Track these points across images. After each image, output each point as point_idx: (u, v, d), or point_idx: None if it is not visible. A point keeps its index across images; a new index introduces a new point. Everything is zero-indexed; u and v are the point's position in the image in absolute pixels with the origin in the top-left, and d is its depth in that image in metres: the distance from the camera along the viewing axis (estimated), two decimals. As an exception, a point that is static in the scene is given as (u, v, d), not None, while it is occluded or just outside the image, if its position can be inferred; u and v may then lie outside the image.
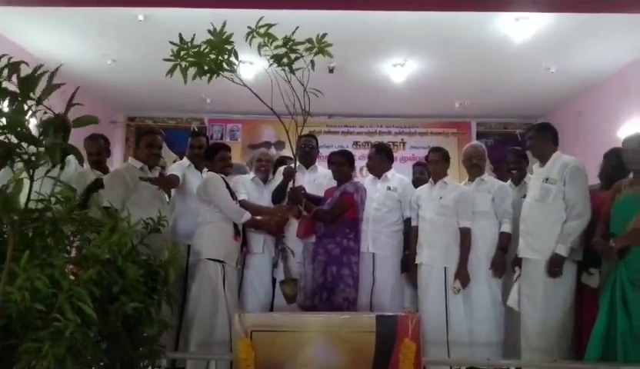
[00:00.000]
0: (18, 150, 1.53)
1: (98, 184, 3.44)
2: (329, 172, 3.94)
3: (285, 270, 3.50)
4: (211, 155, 3.65)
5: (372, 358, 2.11)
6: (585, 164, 3.33)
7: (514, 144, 6.94)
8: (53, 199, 2.01)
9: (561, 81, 6.32)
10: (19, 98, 1.52)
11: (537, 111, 7.61)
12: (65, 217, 2.06)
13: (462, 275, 3.56)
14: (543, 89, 6.67)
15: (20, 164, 1.55)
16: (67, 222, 2.08)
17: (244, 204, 3.66)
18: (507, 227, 3.65)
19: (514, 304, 3.43)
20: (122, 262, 2.06)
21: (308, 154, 4.04)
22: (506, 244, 3.64)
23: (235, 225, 3.49)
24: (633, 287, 2.74)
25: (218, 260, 3.36)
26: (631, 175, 3.02)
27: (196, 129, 7.75)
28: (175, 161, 4.90)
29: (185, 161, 4.00)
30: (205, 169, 3.87)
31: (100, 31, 5.16)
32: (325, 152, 5.59)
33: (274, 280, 3.82)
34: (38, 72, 1.54)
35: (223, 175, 3.58)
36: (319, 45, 2.48)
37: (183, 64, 2.40)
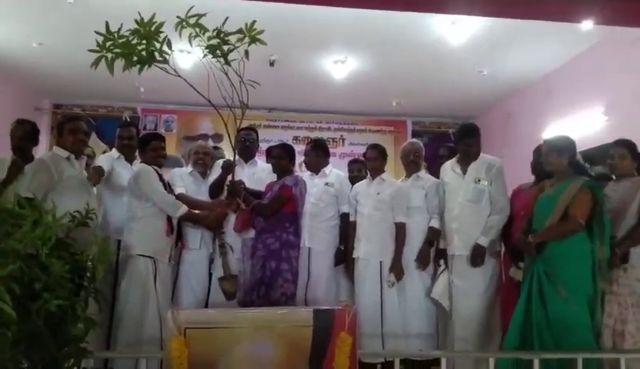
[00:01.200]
0: None
1: (16, 169, 3.19)
2: (269, 166, 3.91)
3: (224, 266, 3.43)
4: (144, 145, 3.50)
5: (309, 352, 2.11)
6: (510, 164, 3.55)
7: (447, 142, 7.23)
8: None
9: (493, 84, 6.60)
10: None
11: (469, 112, 7.92)
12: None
13: (397, 269, 3.65)
14: (475, 91, 6.95)
15: None
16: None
17: (181, 198, 3.54)
18: (435, 223, 3.79)
19: (438, 296, 3.58)
20: (46, 257, 1.94)
21: (247, 149, 3.98)
22: (433, 238, 3.80)
23: (168, 220, 3.37)
24: (548, 279, 2.90)
25: (149, 257, 3.24)
26: None
27: (128, 119, 7.44)
28: (104, 152, 4.68)
29: (114, 152, 3.82)
30: (137, 161, 3.72)
31: (25, 11, 4.82)
32: (264, 146, 5.53)
33: (210, 277, 3.75)
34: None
35: (156, 167, 3.45)
36: (250, 34, 2.42)
37: (109, 55, 2.28)
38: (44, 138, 7.10)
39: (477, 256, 3.46)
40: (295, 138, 7.79)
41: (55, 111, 7.72)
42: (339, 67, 6.14)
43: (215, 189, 3.74)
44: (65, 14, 4.80)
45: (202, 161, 3.93)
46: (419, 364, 3.58)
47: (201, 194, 3.80)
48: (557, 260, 2.93)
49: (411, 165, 4.02)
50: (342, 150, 8.03)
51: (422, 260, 3.76)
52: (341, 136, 8.19)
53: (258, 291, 3.38)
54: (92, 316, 2.08)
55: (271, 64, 5.89)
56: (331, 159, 4.26)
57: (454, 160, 3.76)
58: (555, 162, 3.10)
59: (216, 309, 2.98)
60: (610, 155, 3.17)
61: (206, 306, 3.66)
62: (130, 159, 3.76)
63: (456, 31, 5.03)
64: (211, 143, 6.32)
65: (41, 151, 6.03)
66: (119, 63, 2.29)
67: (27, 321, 1.79)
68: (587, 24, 4.31)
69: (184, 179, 3.84)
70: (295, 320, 2.18)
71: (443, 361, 2.63)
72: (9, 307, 1.58)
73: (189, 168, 3.97)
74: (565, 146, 3.09)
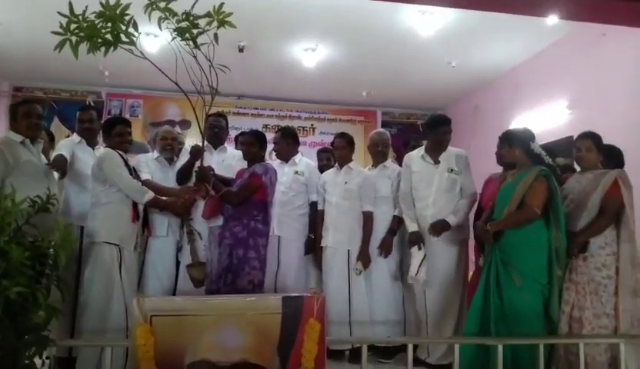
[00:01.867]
0: None
1: None
2: (238, 153, 3.87)
3: (192, 253, 3.37)
4: (109, 130, 3.40)
5: (277, 339, 2.11)
6: (477, 156, 3.64)
7: (416, 133, 7.31)
8: None
9: (461, 76, 6.69)
10: None
11: (438, 104, 8.02)
12: None
13: (364, 257, 3.68)
14: (444, 83, 7.03)
15: None
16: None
17: (147, 184, 3.45)
18: (398, 212, 3.83)
19: (414, 278, 3.51)
20: (5, 244, 1.88)
21: (217, 135, 3.92)
22: (396, 226, 3.84)
23: (134, 206, 3.29)
24: (504, 267, 2.97)
25: (114, 244, 3.16)
26: None
27: (91, 103, 7.22)
28: (67, 137, 4.53)
29: (75, 137, 3.68)
30: (99, 146, 3.62)
31: (-19, -13, 4.62)
32: (233, 133, 5.47)
33: (177, 265, 3.69)
34: None
35: (122, 152, 3.36)
36: (218, 17, 2.38)
37: (74, 38, 2.20)
38: (2, 122, 6.84)
39: (439, 226, 3.52)
40: (265, 126, 7.73)
41: (15, 94, 7.43)
42: (310, 55, 6.11)
43: (183, 175, 3.67)
44: (26, -8, 4.62)
45: (170, 147, 3.85)
46: (386, 350, 3.64)
47: (168, 180, 3.72)
48: (513, 249, 3.00)
49: (378, 155, 4.05)
50: (312, 139, 8.02)
51: (385, 248, 3.79)
52: (312, 125, 8.18)
53: (225, 279, 3.35)
54: (55, 304, 2.03)
55: (241, 50, 5.81)
56: (301, 148, 4.24)
57: (421, 149, 3.79)
58: (507, 153, 3.23)
59: (183, 296, 2.94)
60: (576, 148, 3.23)
61: (174, 294, 3.60)
62: (92, 143, 3.64)
63: (425, 22, 5.06)
64: (178, 129, 6.21)
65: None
66: (84, 46, 2.21)
67: (-16, 309, 1.73)
68: (552, 19, 4.42)
69: (150, 165, 3.76)
70: (264, 307, 2.18)
71: (409, 347, 2.67)
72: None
73: (155, 154, 3.88)
74: (517, 137, 3.17)
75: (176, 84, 2.46)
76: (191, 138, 6.90)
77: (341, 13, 5.05)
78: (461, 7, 4.41)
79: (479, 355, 2.92)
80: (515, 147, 3.13)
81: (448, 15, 4.94)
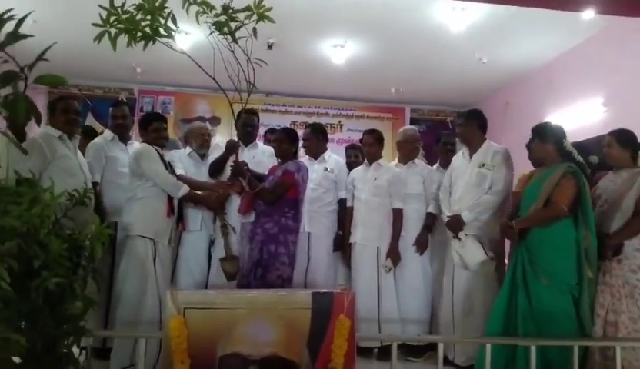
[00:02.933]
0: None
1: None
2: (269, 149, 3.90)
3: (225, 247, 3.40)
4: (145, 126, 3.46)
5: (307, 334, 2.12)
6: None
7: (445, 130, 7.22)
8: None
9: (492, 72, 6.57)
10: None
11: (468, 100, 7.90)
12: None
13: (394, 254, 3.66)
14: (475, 79, 6.92)
15: None
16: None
17: (182, 179, 3.49)
18: (432, 208, 3.81)
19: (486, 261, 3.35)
20: (45, 236, 1.93)
21: (249, 133, 3.95)
22: (431, 223, 3.81)
23: (169, 201, 3.34)
24: (531, 266, 2.90)
25: (149, 238, 3.21)
26: None
27: (124, 99, 7.37)
28: (101, 133, 4.63)
29: (108, 133, 3.75)
30: (131, 141, 3.67)
31: (20, -13, 4.75)
32: (261, 131, 5.50)
33: (209, 259, 3.73)
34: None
35: (158, 148, 3.42)
36: (258, 10, 2.39)
37: (113, 31, 2.24)
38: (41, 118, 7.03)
39: (452, 222, 3.43)
40: (293, 123, 7.76)
41: (52, 90, 7.62)
42: (338, 51, 6.09)
43: (216, 168, 3.70)
44: (62, -8, 4.73)
45: (207, 143, 3.91)
46: (415, 348, 3.61)
47: (201, 175, 3.77)
48: (539, 248, 2.93)
49: (408, 152, 4.01)
50: (340, 136, 8.01)
51: (421, 245, 3.78)
52: (339, 122, 8.17)
53: (254, 273, 3.37)
54: (91, 296, 2.08)
55: (270, 47, 5.82)
56: (328, 145, 4.23)
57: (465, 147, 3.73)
58: (538, 148, 3.13)
59: (215, 290, 2.98)
60: (602, 145, 3.16)
61: (206, 287, 3.65)
62: (124, 139, 3.72)
63: (457, 17, 4.99)
64: (208, 126, 6.28)
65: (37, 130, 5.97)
66: (122, 40, 2.25)
67: (26, 299, 1.78)
68: (588, 14, 4.30)
69: (183, 161, 3.81)
70: (294, 302, 2.19)
71: (440, 346, 2.65)
72: (6, 283, 1.56)
73: (188, 150, 3.94)
74: (550, 131, 3.09)
75: (214, 79, 2.48)
76: (221, 135, 6.98)
77: (370, 9, 5.02)
78: (496, 2, 4.33)
79: (503, 355, 2.87)
80: (547, 141, 3.07)
81: (480, 10, 4.86)
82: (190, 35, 4.83)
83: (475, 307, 3.45)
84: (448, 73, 6.76)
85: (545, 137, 3.09)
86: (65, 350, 1.98)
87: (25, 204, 1.91)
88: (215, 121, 7.51)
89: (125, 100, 7.09)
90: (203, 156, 3.90)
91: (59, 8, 5.18)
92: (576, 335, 2.83)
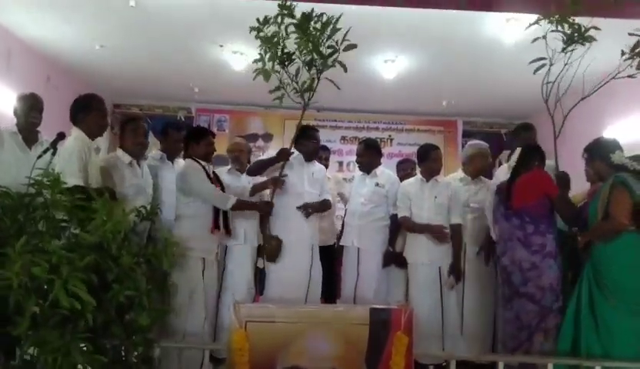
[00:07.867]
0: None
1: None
2: (323, 168, 3.95)
3: (263, 229, 3.50)
4: (197, 139, 3.52)
5: (365, 350, 2.13)
6: (566, 165, 3.53)
7: (499, 143, 7.06)
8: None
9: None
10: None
11: (522, 112, 7.68)
12: (56, 202, 2.04)
13: (456, 271, 3.61)
14: (529, 90, 6.72)
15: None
16: (58, 207, 2.06)
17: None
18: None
19: None
20: (116, 250, 2.05)
21: (314, 149, 3.89)
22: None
23: (215, 217, 3.41)
24: (596, 284, 2.79)
25: (198, 254, 3.30)
26: None
27: (183, 119, 7.69)
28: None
29: (156, 153, 3.76)
30: (177, 159, 3.72)
31: (90, 15, 5.05)
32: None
33: (256, 273, 3.78)
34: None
35: (205, 163, 3.49)
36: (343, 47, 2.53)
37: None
38: (104, 136, 7.41)
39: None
40: (343, 138, 7.82)
41: (115, 110, 8.05)
42: (389, 66, 6.10)
43: (259, 165, 3.72)
44: (126, 18, 4.99)
45: (238, 159, 3.98)
46: (473, 366, 3.53)
47: (241, 186, 3.85)
48: (603, 264, 2.81)
49: (484, 168, 3.98)
50: (390, 150, 7.98)
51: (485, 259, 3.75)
52: (389, 136, 8.15)
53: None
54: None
55: (322, 64, 5.91)
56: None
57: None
58: (589, 167, 3.20)
59: (276, 304, 3.03)
60: None
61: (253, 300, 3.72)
62: (172, 158, 3.72)
63: (510, 29, 4.91)
64: (261, 143, 6.43)
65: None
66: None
67: (100, 310, 1.89)
68: (650, 21, 4.13)
69: (224, 178, 3.85)
70: (352, 318, 2.21)
71: (500, 365, 2.58)
72: (87, 295, 1.67)
73: (228, 166, 4.02)
74: (594, 149, 3.09)
75: (304, 104, 2.63)
76: (274, 152, 7.10)
77: (421, 23, 5.02)
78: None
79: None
80: (594, 159, 3.05)
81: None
82: (244, 55, 5.00)
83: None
84: (501, 85, 6.62)
85: (591, 156, 3.09)
86: (134, 360, 2.08)
87: (100, 219, 2.04)
88: (268, 137, 7.67)
89: (183, 119, 7.36)
90: (241, 171, 3.97)
91: (125, 35, 5.47)
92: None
